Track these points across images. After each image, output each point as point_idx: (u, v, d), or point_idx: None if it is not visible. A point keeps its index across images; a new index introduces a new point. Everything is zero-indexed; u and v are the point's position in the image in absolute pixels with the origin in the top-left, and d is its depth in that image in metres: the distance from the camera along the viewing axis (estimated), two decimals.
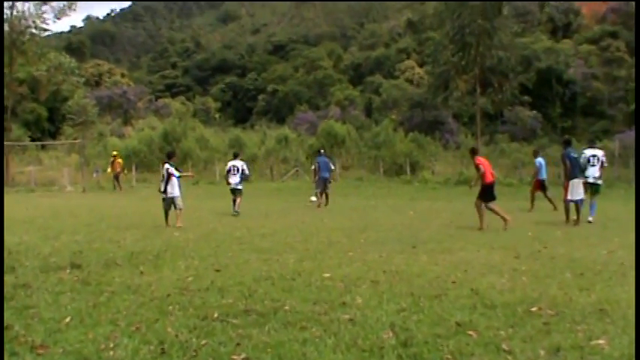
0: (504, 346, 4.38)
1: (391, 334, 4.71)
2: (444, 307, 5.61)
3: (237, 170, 17.50)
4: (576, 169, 14.10)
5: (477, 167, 13.18)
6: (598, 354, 4.24)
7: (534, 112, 61.80)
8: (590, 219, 14.15)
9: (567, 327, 4.89)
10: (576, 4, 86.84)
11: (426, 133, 51.19)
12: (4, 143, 34.34)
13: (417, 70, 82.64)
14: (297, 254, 8.94)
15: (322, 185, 20.64)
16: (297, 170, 41.58)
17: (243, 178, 17.79)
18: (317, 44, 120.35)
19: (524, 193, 21.17)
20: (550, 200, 18.53)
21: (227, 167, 17.92)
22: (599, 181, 14.60)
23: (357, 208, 19.53)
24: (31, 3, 38.09)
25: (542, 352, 4.26)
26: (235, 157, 18.22)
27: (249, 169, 18.76)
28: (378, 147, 44.55)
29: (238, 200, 17.12)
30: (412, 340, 4.54)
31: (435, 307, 5.60)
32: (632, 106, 61.21)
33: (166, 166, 14.16)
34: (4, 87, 37.15)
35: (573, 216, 14.02)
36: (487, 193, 13.16)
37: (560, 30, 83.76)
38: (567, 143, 14.88)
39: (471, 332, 4.74)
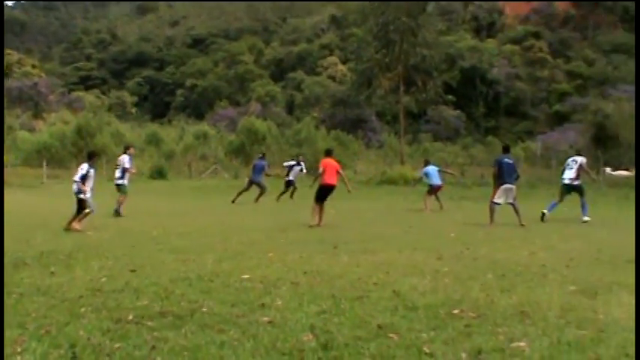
0: (426, 349, 4.35)
1: (311, 337, 4.62)
2: (365, 309, 5.55)
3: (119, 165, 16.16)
4: (507, 175, 14.22)
5: (318, 168, 14.23)
6: (518, 356, 4.26)
7: (458, 111, 63.34)
8: (586, 218, 14.75)
9: (489, 329, 4.91)
10: (500, 3, 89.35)
11: (348, 131, 51.74)
12: None
13: (340, 66, 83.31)
14: (216, 254, 8.74)
15: (248, 185, 21.12)
16: (216, 168, 41.15)
17: (124, 173, 16.03)
18: (238, 38, 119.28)
19: (448, 194, 21.77)
20: (437, 199, 19.12)
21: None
22: (575, 182, 15.29)
23: (278, 208, 19.53)
24: None
25: (463, 355, 4.25)
26: (125, 150, 16.71)
27: (130, 164, 16.41)
28: (300, 145, 44.69)
29: (121, 199, 15.67)
30: (333, 343, 4.47)
31: (357, 309, 5.54)
32: (555, 107, 63.73)
33: (84, 166, 12.72)
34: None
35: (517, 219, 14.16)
36: (321, 194, 13.92)
37: (485, 29, 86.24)
38: (505, 150, 15.10)
39: (392, 335, 4.69)
